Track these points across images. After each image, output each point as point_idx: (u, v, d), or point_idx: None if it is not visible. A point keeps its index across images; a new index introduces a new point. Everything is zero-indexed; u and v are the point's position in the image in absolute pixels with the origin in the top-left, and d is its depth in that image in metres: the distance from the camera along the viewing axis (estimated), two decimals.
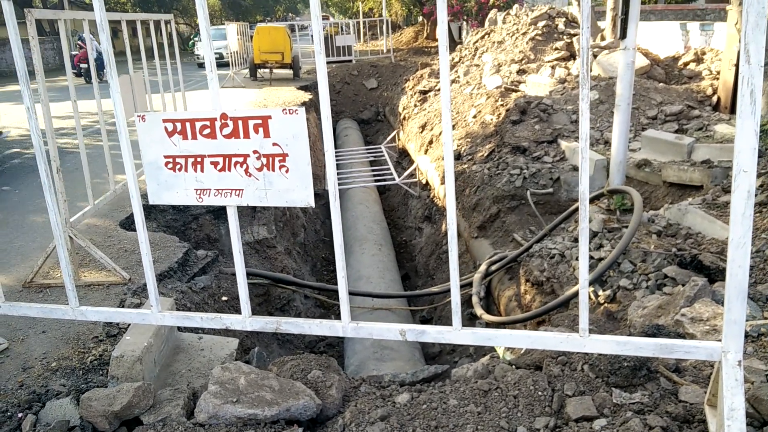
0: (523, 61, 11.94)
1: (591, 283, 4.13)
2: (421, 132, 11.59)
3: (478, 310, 5.02)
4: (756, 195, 4.46)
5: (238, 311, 4.69)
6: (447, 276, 7.63)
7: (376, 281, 6.73)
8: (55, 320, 3.38)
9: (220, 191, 2.15)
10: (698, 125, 7.23)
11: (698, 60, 9.52)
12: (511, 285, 5.64)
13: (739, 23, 6.86)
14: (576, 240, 4.82)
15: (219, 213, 6.22)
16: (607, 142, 7.32)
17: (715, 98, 8.13)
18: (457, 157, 8.65)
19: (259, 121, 2.03)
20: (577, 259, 4.58)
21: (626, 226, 4.72)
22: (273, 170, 2.06)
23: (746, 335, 2.84)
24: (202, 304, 4.31)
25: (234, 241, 2.20)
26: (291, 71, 17.85)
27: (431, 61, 16.63)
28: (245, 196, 2.12)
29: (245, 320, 2.26)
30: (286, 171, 2.04)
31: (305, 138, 1.99)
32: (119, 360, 2.62)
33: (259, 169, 2.07)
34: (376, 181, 10.76)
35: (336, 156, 12.54)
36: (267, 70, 17.10)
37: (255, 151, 2.06)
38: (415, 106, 13.38)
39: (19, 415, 2.55)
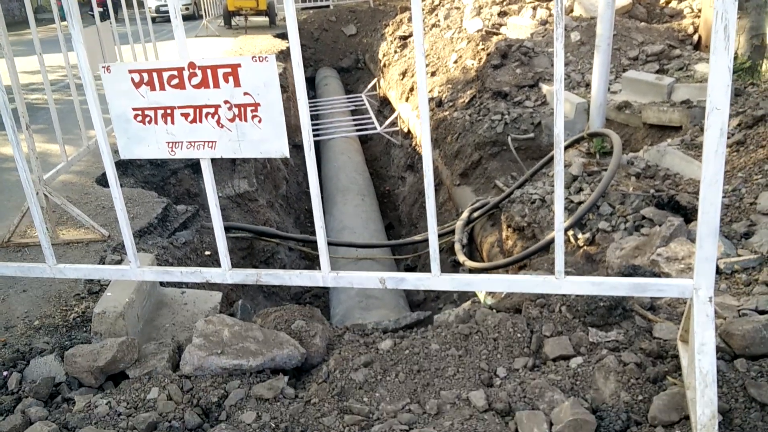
0: (504, 2, 11.67)
1: (571, 227, 4.18)
2: (402, 79, 11.41)
3: (461, 257, 5.07)
4: (734, 134, 4.49)
5: (234, 265, 4.70)
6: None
7: (360, 231, 6.75)
8: (36, 279, 3.36)
9: (193, 144, 2.11)
10: (679, 65, 7.19)
11: None
12: (494, 231, 5.69)
13: None
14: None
15: (198, 167, 6.13)
16: (588, 85, 7.27)
17: (696, 37, 8.07)
18: (438, 104, 8.55)
19: (229, 70, 1.97)
20: None
21: (606, 170, 4.75)
22: (245, 120, 2.01)
23: (720, 272, 2.91)
24: (185, 259, 4.30)
25: (209, 194, 2.17)
26: (267, 18, 17.34)
27: (410, 5, 16.19)
28: (218, 148, 2.08)
29: (225, 273, 2.25)
30: (259, 121, 2.00)
31: (277, 86, 1.94)
32: (101, 316, 2.62)
33: (231, 120, 2.03)
34: (357, 130, 10.65)
35: (316, 106, 12.36)
36: (242, 18, 16.60)
37: (226, 101, 2.01)
38: (395, 52, 13.13)
39: (5, 373, 2.56)
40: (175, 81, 2.03)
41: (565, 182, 4.76)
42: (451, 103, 8.29)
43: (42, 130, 6.52)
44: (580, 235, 4.14)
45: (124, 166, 5.52)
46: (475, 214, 5.63)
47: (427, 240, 6.04)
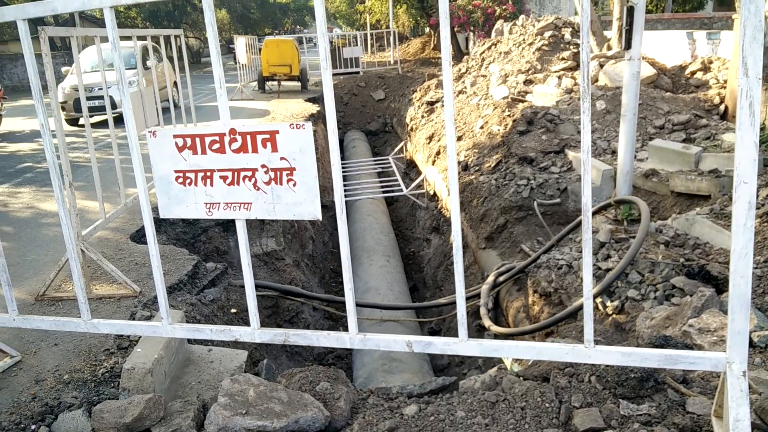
0: (530, 72, 11.98)
1: (599, 294, 4.13)
2: (429, 143, 11.63)
3: (486, 322, 5.02)
4: (763, 204, 4.46)
5: (247, 323, 4.73)
6: (454, 288, 7.64)
7: (385, 293, 6.74)
8: (68, 333, 3.42)
9: (229, 205, 2.19)
10: (706, 134, 7.22)
11: (705, 69, 9.52)
12: (519, 296, 5.64)
13: None
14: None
15: (228, 225, 6.27)
16: (614, 152, 7.32)
17: (722, 107, 8.12)
18: (464, 168, 8.68)
19: (267, 136, 2.07)
20: None
21: (634, 237, 4.72)
22: (281, 184, 2.09)
23: (754, 346, 2.84)
24: (212, 317, 4.35)
25: (243, 254, 2.23)
26: (299, 83, 17.99)
27: (438, 72, 16.71)
28: (254, 209, 2.16)
29: (254, 332, 2.28)
30: (294, 185, 2.07)
31: (312, 152, 2.02)
32: (130, 372, 2.65)
33: (267, 183, 2.11)
34: (383, 192, 10.80)
35: (344, 167, 12.62)
36: (275, 83, 17.25)
37: (263, 165, 2.10)
38: (422, 117, 13.45)
39: (33, 427, 2.59)
40: (216, 146, 2.14)
41: (592, 249, 4.75)
42: (477, 168, 8.40)
43: (80, 187, 6.77)
44: (608, 303, 4.09)
45: (158, 223, 5.67)
46: (501, 279, 5.60)
47: (452, 303, 6.00)
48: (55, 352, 3.28)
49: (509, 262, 6.26)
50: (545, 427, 2.32)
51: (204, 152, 2.16)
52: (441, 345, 2.04)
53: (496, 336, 5.22)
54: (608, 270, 4.45)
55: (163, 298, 2.38)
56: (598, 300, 4.17)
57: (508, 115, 9.24)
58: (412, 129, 13.77)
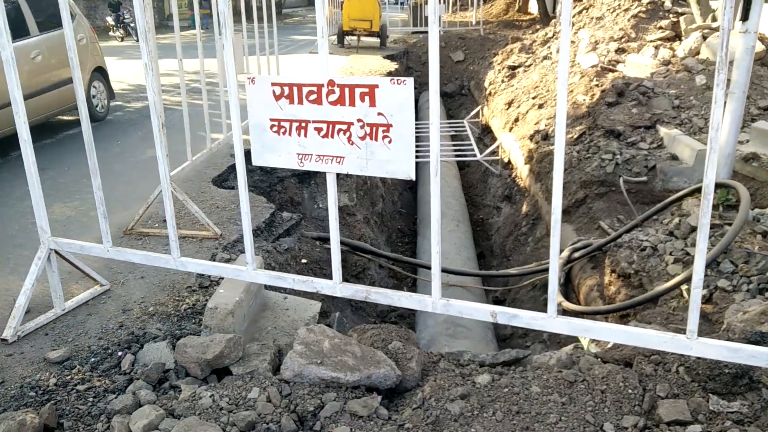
0: (623, 40, 11.31)
1: (685, 281, 3.92)
2: (507, 109, 11.29)
3: (558, 298, 4.88)
4: None
5: (317, 274, 4.78)
6: (524, 258, 7.47)
7: (453, 257, 6.68)
8: (153, 268, 3.56)
9: (322, 157, 2.17)
10: None
11: None
12: (594, 274, 5.45)
13: None
14: (671, 234, 4.58)
15: (303, 177, 6.34)
16: None
17: None
18: (545, 137, 8.38)
19: (366, 90, 2.02)
20: (671, 254, 4.36)
21: (729, 224, 4.43)
22: (376, 140, 2.05)
23: None
24: (285, 265, 4.43)
25: (331, 208, 2.22)
26: (378, 39, 17.76)
27: (522, 36, 16.09)
28: (346, 163, 2.13)
29: (336, 286, 2.29)
30: (389, 141, 2.03)
31: (411, 109, 1.96)
32: (213, 311, 2.74)
33: (362, 138, 2.07)
34: (456, 156, 10.62)
35: (417, 128, 12.48)
36: (354, 38, 17.11)
37: (359, 120, 2.06)
38: (503, 81, 13.04)
39: (119, 353, 2.73)
40: (314, 96, 2.11)
41: (682, 232, 4.50)
42: None
43: (168, 128, 6.99)
44: None
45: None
46: (576, 254, 5.42)
47: (523, 274, 5.88)
48: (142, 285, 3.44)
49: (585, 238, 6.05)
50: (626, 414, 2.24)
51: (300, 102, 2.14)
52: (527, 319, 1.97)
53: (566, 312, 5.09)
54: None
55: (249, 244, 2.42)
56: (683, 287, 3.96)
57: (596, 85, 8.80)
58: (490, 93, 13.39)
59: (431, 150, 1.97)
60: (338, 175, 6.73)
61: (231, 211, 4.60)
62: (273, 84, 2.17)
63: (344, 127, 2.09)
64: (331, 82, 2.06)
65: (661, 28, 11.04)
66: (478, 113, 13.08)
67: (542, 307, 5.85)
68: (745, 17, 4.19)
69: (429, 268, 6.00)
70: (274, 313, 3.18)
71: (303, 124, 2.16)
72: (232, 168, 5.71)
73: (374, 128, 2.04)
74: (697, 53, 8.75)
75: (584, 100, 8.64)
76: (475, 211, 10.20)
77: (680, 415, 2.14)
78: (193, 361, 2.56)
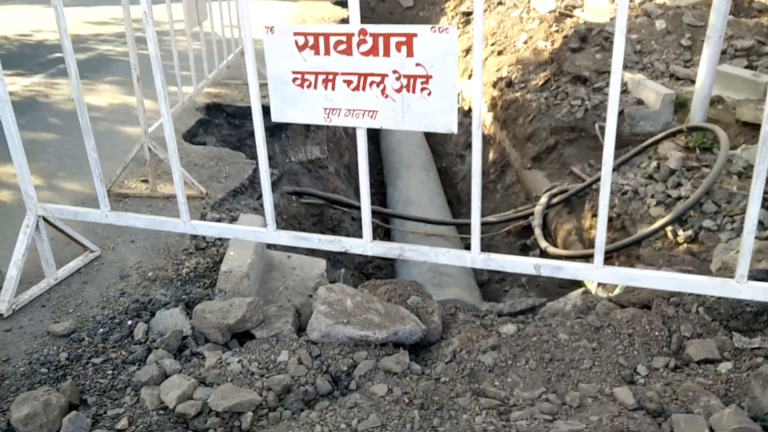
0: None
1: (671, 222, 4.05)
2: (465, 56, 11.19)
3: (542, 243, 4.99)
4: None
5: (296, 229, 4.66)
6: (494, 205, 7.56)
7: (426, 206, 6.69)
8: (141, 230, 3.38)
9: (352, 111, 2.06)
10: None
11: None
12: (570, 218, 5.57)
13: None
14: (651, 177, 4.70)
15: (274, 131, 6.12)
16: (673, 75, 7.02)
17: None
18: (508, 84, 8.36)
19: (403, 39, 1.91)
20: (652, 196, 4.49)
21: (706, 166, 4.59)
22: (413, 92, 1.95)
23: None
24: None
25: (361, 164, 2.13)
26: None
27: None
28: (379, 118, 2.03)
29: (367, 245, 2.23)
30: (428, 94, 1.94)
31: (454, 59, 1.87)
32: (227, 275, 2.63)
33: (398, 90, 1.97)
34: None
35: None
36: None
37: (395, 71, 1.95)
38: (457, 28, 12.82)
39: (129, 322, 2.60)
40: (342, 47, 1.98)
41: (662, 175, 4.62)
42: (522, 84, 8.09)
43: (121, 82, 6.57)
44: (680, 232, 4.02)
45: (205, 125, 5.54)
46: (555, 200, 5.52)
47: (503, 221, 5.95)
48: (134, 249, 3.27)
49: (559, 183, 6.16)
50: (655, 355, 2.31)
51: (327, 53, 2.01)
52: (572, 270, 1.98)
53: (549, 255, 5.21)
54: (679, 198, 4.35)
55: (269, 204, 2.31)
56: (669, 228, 4.10)
57: (556, 31, 8.78)
58: None
59: (473, 102, 1.90)
60: (308, 126, 6.51)
61: (210, 169, 4.40)
62: (296, 33, 2.02)
63: (377, 79, 1.98)
64: (363, 31, 1.94)
65: None
66: None
67: (518, 252, 5.98)
68: None
69: (408, 219, 6.00)
70: (281, 273, 3.09)
71: (330, 77, 2.04)
72: (201, 123, 5.45)
73: (412, 80, 1.94)
74: None
75: (545, 46, 8.63)
76: (438, 159, 10.19)
77: (709, 353, 2.22)
78: (213, 327, 2.47)
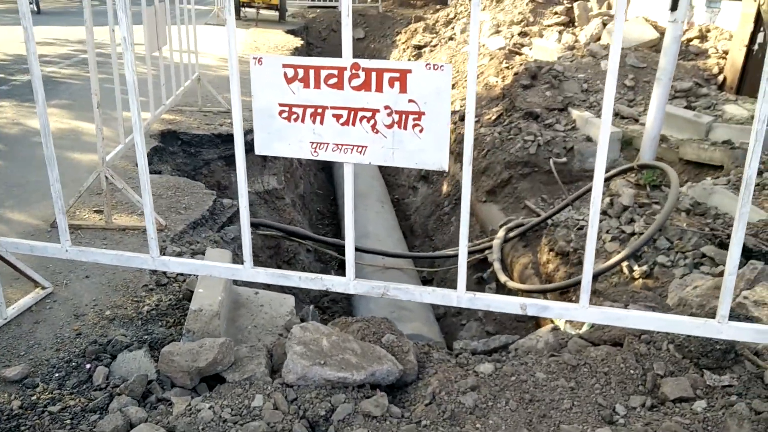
0: (523, 24, 11.78)
1: (626, 258, 4.17)
2: None
3: (502, 277, 5.04)
4: None
5: (260, 263, 4.53)
6: (448, 237, 7.61)
7: (384, 239, 6.67)
8: (97, 265, 3.20)
9: (340, 146, 2.02)
10: (707, 103, 7.29)
11: (702, 37, 9.54)
12: (526, 252, 5.67)
13: (765, 3, 6.86)
14: (605, 213, 4.84)
15: (230, 160, 5.98)
16: (618, 114, 7.34)
17: (721, 77, 8.20)
18: (461, 118, 8.55)
19: (396, 75, 1.89)
20: (607, 232, 4.62)
21: (656, 203, 4.77)
22: (405, 128, 1.93)
23: None
24: (234, 257, 4.17)
25: (347, 202, 2.08)
26: (277, 13, 17.15)
27: (424, 15, 16.23)
28: (369, 153, 2.00)
29: (349, 283, 2.16)
30: (420, 130, 1.92)
31: (448, 97, 1.87)
32: (197, 314, 2.50)
33: (389, 126, 1.95)
34: None
35: None
36: (253, 10, 16.40)
37: (387, 107, 1.93)
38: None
39: (88, 366, 2.42)
40: (333, 80, 1.95)
41: (615, 211, 4.77)
42: (476, 119, 8.28)
43: (68, 106, 6.30)
44: (636, 267, 4.14)
45: (160, 152, 5.36)
46: (512, 234, 5.60)
47: (454, 256, 5.98)
48: (89, 285, 3.07)
49: (514, 217, 6.27)
50: (632, 394, 2.33)
51: (318, 86, 1.97)
52: (559, 310, 1.98)
53: (508, 289, 5.26)
54: (632, 234, 4.50)
55: (247, 240, 2.22)
56: (624, 264, 4.22)
57: (506, 67, 9.08)
58: None
59: (465, 140, 1.90)
60: (265, 157, 6.41)
61: (168, 199, 4.24)
62: (285, 65, 1.98)
63: (368, 114, 1.95)
64: (355, 65, 1.91)
65: (556, 13, 11.62)
66: None
67: (474, 285, 6.00)
68: (674, 7, 4.47)
69: (369, 252, 5.94)
70: (249, 311, 2.97)
71: (319, 110, 1.99)
72: (156, 150, 5.27)
73: (404, 116, 1.92)
74: (599, 39, 9.29)
75: (497, 81, 8.89)
76: (391, 191, 10.23)
77: (684, 392, 2.26)
78: (181, 371, 2.33)
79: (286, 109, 2.03)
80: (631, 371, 2.40)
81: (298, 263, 6.41)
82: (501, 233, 5.63)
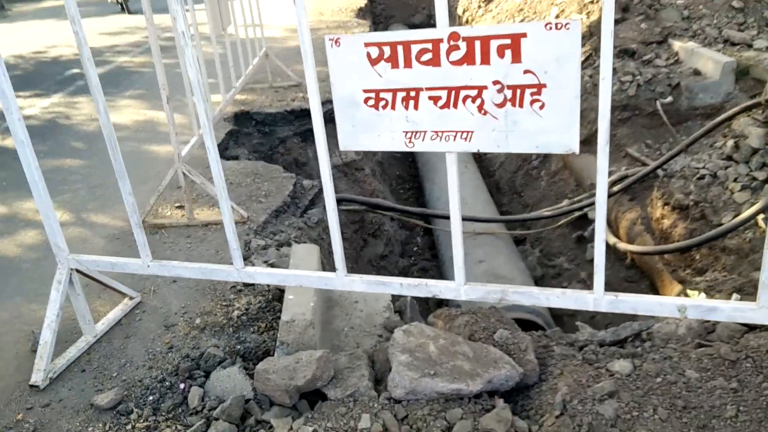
0: None
1: (763, 211, 3.61)
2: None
3: (611, 238, 4.57)
4: None
5: (345, 240, 4.29)
6: (539, 194, 7.12)
7: (471, 202, 6.28)
8: None
9: (440, 134, 1.68)
10: None
11: None
12: (633, 207, 5.13)
13: None
14: (730, 158, 4.24)
15: (306, 135, 5.76)
16: (728, 41, 6.47)
17: None
18: None
19: (508, 42, 1.52)
20: (735, 180, 4.03)
21: None
22: (521, 106, 1.57)
23: None
24: (318, 240, 3.97)
25: (452, 195, 1.76)
26: None
27: None
28: (476, 139, 1.65)
29: (460, 288, 1.86)
30: (541, 107, 1.55)
31: (576, 62, 1.48)
32: (290, 325, 2.29)
33: (500, 105, 1.59)
34: None
35: None
36: None
37: (496, 82, 1.57)
38: (479, 7, 12.30)
39: (182, 386, 2.28)
40: (428, 56, 1.60)
41: (743, 156, 4.16)
42: None
43: (143, 96, 6.26)
44: None
45: (235, 136, 5.20)
46: (615, 188, 5.07)
47: (557, 215, 5.53)
48: (176, 291, 2.95)
49: (615, 168, 5.71)
50: None
51: (408, 65, 1.63)
52: (729, 311, 1.59)
53: (618, 253, 4.80)
54: (765, 180, 3.90)
55: (338, 246, 1.95)
56: (761, 217, 3.66)
57: (591, 2, 8.25)
58: (466, 21, 12.67)
59: (600, 106, 1.51)
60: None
61: (248, 187, 4.06)
62: (367, 44, 1.65)
63: (474, 92, 1.60)
64: (454, 35, 1.55)
65: None
66: None
67: (573, 245, 5.55)
68: None
69: (476, 220, 5.61)
70: (343, 309, 2.74)
71: (413, 94, 1.66)
72: (230, 134, 5.11)
73: (519, 91, 1.56)
74: None
75: (581, 19, 8.11)
76: None
77: None
78: (279, 390, 2.13)
79: (373, 95, 1.71)
80: None
81: (383, 234, 6.18)
82: None
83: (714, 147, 4.51)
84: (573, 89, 1.51)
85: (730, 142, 4.30)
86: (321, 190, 4.36)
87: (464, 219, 5.42)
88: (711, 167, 4.22)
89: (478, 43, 1.54)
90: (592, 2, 8.21)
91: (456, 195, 1.75)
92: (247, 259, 3.09)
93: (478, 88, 1.59)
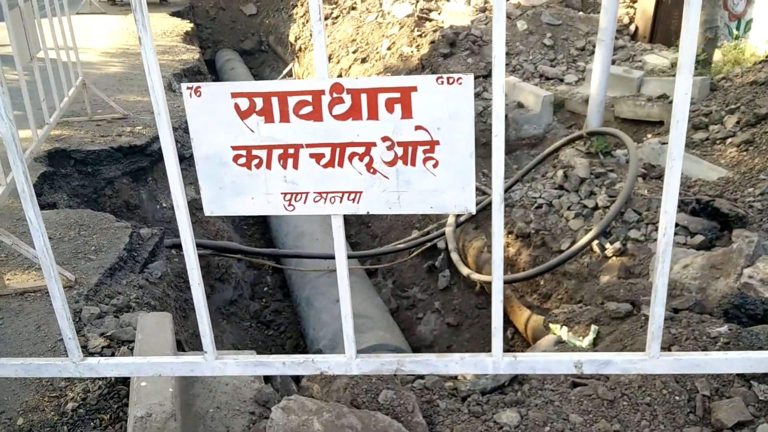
0: None
1: (596, 237, 3.92)
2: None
3: (464, 269, 4.69)
4: (735, 134, 4.45)
5: (183, 291, 3.89)
6: (386, 225, 7.20)
7: (322, 238, 6.13)
8: None
9: (324, 195, 1.50)
10: (625, 56, 7.24)
11: None
12: (479, 235, 5.35)
13: None
14: (561, 188, 4.58)
15: (137, 175, 5.21)
16: (543, 75, 7.13)
17: (632, 27, 8.20)
18: None
19: (397, 95, 1.39)
20: (569, 209, 4.35)
21: (612, 170, 4.56)
22: (413, 164, 1.44)
23: None
24: (164, 297, 3.53)
25: (339, 263, 1.58)
26: None
27: None
28: (365, 200, 1.49)
29: (351, 362, 1.68)
30: (434, 165, 1.44)
31: (470, 118, 1.40)
32: (145, 421, 1.91)
33: (391, 163, 1.45)
34: None
35: None
36: None
37: (385, 138, 1.43)
38: (311, 35, 12.36)
39: None
40: (308, 109, 1.42)
41: (572, 185, 4.51)
42: None
43: None
44: (608, 245, 3.90)
45: (50, 178, 4.51)
46: (462, 218, 5.25)
47: (409, 248, 5.57)
48: None
49: None
50: (683, 426, 2.03)
51: (285, 119, 1.43)
52: (622, 364, 1.60)
53: (469, 282, 4.94)
54: (595, 208, 4.26)
55: (207, 328, 1.66)
56: (595, 243, 3.97)
57: (420, 35, 8.64)
58: (300, 49, 12.67)
59: (494, 132, 1.44)
60: (189, 166, 5.62)
61: (71, 242, 3.50)
62: (235, 94, 1.41)
63: (361, 149, 1.44)
64: (337, 87, 1.38)
65: None
66: (291, 71, 12.32)
67: (425, 274, 5.63)
68: None
69: (306, 257, 5.41)
70: (205, 386, 2.40)
71: (291, 151, 1.46)
72: (44, 177, 4.42)
73: (410, 148, 1.43)
74: None
75: (412, 51, 8.45)
76: None
77: (740, 415, 1.98)
78: None
79: (244, 152, 1.47)
80: (676, 397, 2.09)
81: (232, 278, 5.77)
82: (451, 219, 5.27)
83: (546, 177, 4.86)
84: (467, 147, 1.42)
85: (560, 173, 4.65)
86: (162, 239, 3.92)
87: (321, 257, 5.21)
88: (546, 197, 4.53)
89: (364, 96, 1.39)
90: (420, 35, 8.61)
91: (344, 264, 1.58)
92: (79, 332, 2.61)
93: (366, 144, 1.44)
